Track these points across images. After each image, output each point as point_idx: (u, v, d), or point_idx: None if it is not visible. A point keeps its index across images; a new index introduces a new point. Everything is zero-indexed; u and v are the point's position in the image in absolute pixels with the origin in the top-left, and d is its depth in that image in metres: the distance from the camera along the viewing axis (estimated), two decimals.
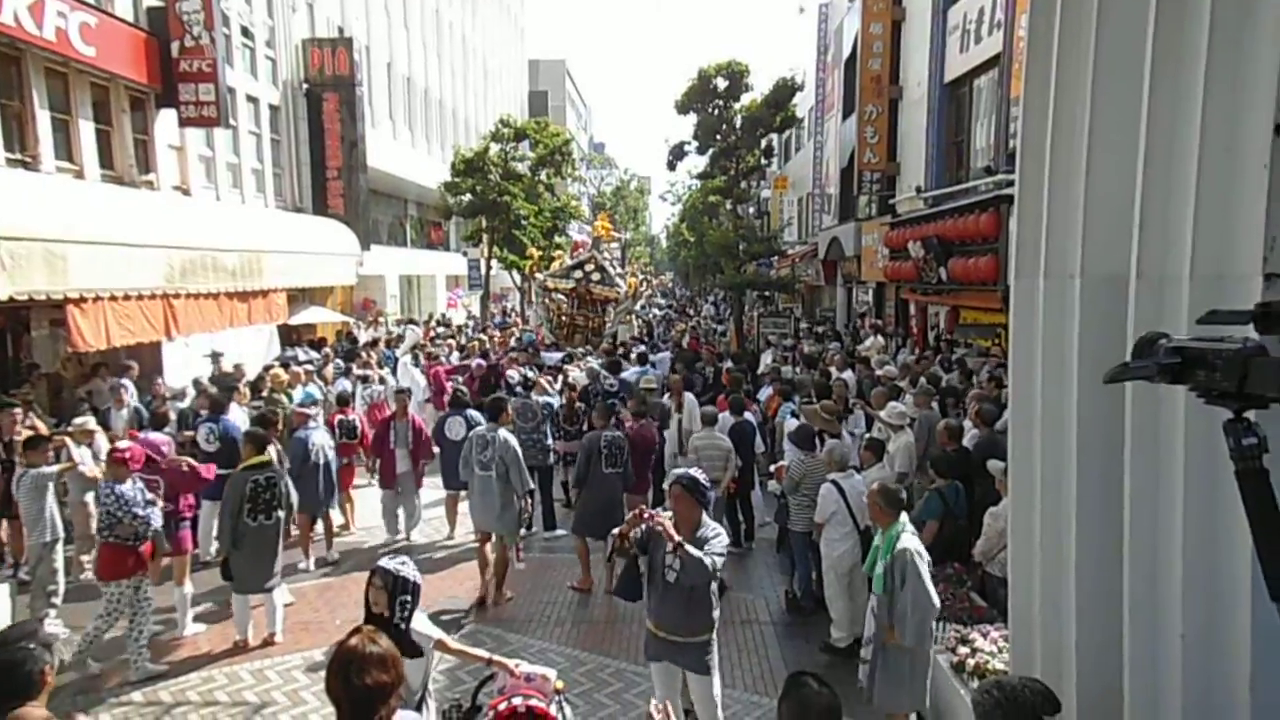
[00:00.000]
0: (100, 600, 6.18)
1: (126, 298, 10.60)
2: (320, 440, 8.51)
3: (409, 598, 3.91)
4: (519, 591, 7.86)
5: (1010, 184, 12.80)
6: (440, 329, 22.82)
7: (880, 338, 16.88)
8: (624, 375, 12.39)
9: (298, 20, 21.28)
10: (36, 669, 2.93)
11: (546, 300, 19.68)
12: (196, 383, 11.28)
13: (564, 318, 19.30)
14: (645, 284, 23.22)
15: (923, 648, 4.87)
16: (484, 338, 18.07)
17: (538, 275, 20.16)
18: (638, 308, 22.50)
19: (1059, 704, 2.70)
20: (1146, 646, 2.66)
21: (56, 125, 12.81)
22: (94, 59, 12.94)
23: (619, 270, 20.88)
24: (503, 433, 7.63)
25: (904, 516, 5.02)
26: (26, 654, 2.94)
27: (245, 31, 18.73)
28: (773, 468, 8.25)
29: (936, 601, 4.79)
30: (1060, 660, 3.00)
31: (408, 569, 3.96)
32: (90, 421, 8.42)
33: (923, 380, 10.21)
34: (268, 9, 19.88)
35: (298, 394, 10.83)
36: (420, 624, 4.01)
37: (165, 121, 15.35)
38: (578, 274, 19.18)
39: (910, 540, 4.87)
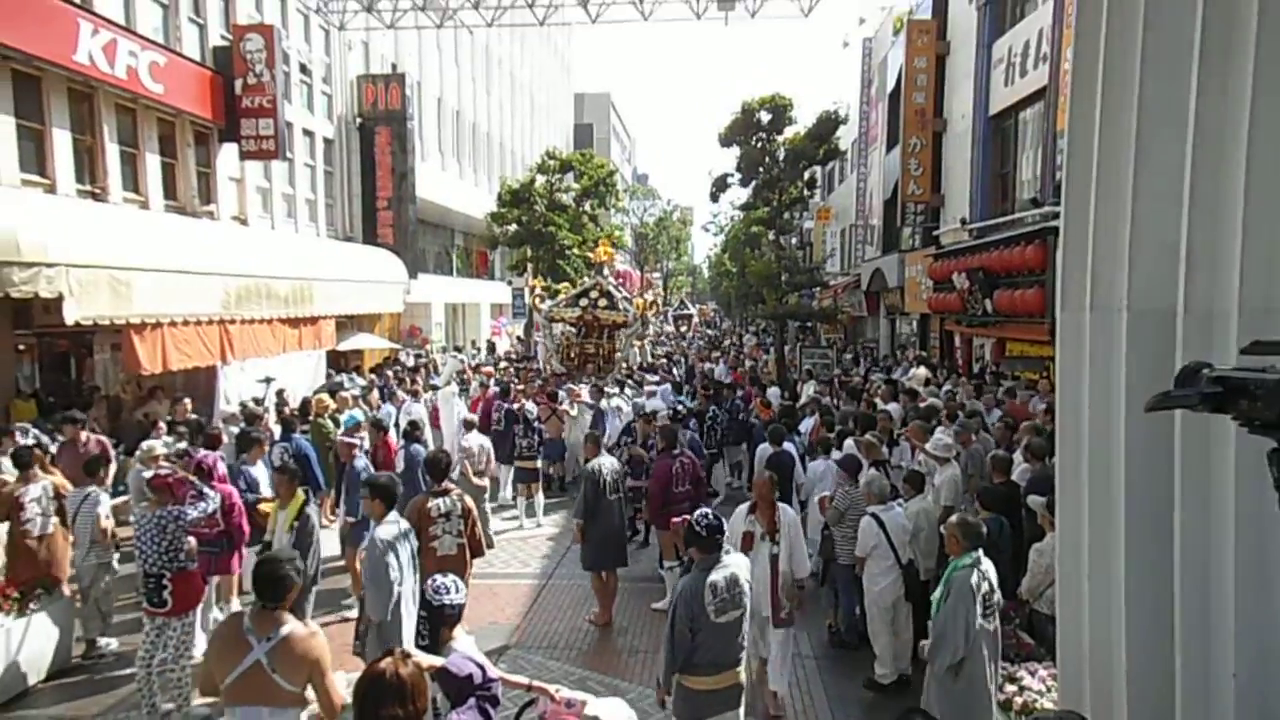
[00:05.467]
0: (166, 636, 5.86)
1: (185, 323, 10.95)
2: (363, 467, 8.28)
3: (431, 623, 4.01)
4: (558, 618, 7.90)
5: (1057, 215, 12.66)
6: (482, 356, 23.07)
7: (924, 369, 16.66)
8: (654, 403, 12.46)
9: (353, 57, 22.02)
10: (289, 583, 3.83)
11: (553, 330, 19.42)
12: (244, 406, 11.54)
13: (574, 349, 19.10)
14: (655, 307, 22.49)
15: (935, 673, 4.70)
16: (493, 370, 17.95)
17: (541, 307, 19.71)
18: (649, 334, 21.88)
19: None
20: (1199, 685, 2.61)
21: (125, 158, 13.41)
22: (162, 96, 13.54)
23: (624, 294, 20.57)
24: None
25: (979, 553, 4.86)
26: (288, 568, 3.85)
27: (304, 68, 19.45)
28: (816, 498, 8.18)
29: (958, 640, 4.60)
30: (1111, 698, 2.94)
31: (450, 594, 3.97)
32: (158, 446, 8.26)
33: (961, 415, 10.05)
34: (325, 47, 20.62)
35: (344, 418, 11.05)
36: (463, 645, 4.01)
37: (227, 155, 15.94)
38: (583, 302, 18.95)
39: (971, 575, 4.72)
